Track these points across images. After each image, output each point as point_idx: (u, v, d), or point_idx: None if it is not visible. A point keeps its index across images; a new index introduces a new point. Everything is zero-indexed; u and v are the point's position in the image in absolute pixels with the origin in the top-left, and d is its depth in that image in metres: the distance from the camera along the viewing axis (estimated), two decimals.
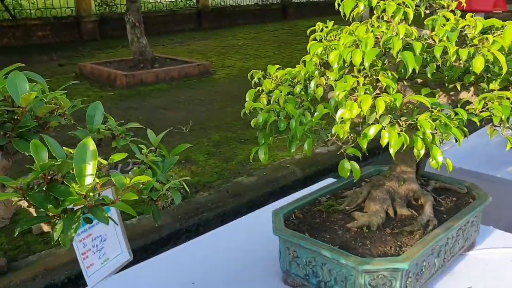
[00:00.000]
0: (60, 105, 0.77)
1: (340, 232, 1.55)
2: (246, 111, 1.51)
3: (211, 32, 14.53)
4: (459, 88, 1.58)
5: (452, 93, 1.64)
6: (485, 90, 1.52)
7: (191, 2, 15.68)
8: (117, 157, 0.69)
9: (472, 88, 1.59)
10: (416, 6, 1.48)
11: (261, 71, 1.66)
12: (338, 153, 1.25)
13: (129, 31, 8.45)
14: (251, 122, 1.46)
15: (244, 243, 1.84)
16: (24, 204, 0.69)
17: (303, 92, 1.49)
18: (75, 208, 0.63)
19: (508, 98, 1.40)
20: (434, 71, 1.60)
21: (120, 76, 7.88)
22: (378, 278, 1.35)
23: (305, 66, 1.56)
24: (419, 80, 1.70)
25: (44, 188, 0.65)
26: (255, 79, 1.64)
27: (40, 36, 12.75)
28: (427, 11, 1.52)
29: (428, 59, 1.34)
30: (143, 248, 3.66)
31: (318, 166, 5.05)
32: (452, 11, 1.43)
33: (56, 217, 0.64)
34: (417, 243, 1.42)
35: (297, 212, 1.68)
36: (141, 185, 0.72)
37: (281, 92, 1.47)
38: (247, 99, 1.55)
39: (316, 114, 1.29)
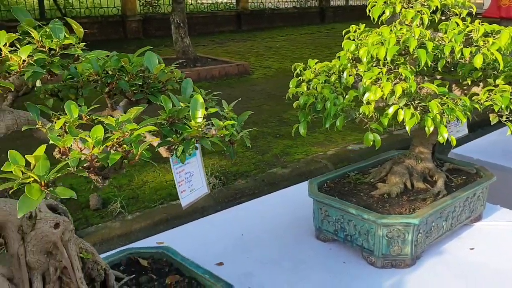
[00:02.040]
0: (174, 75, 1.15)
1: (364, 198, 1.88)
2: (290, 95, 1.87)
3: (249, 34, 14.95)
4: (469, 83, 1.89)
5: (465, 88, 1.95)
6: (492, 85, 1.83)
7: (231, 5, 16.16)
8: (212, 110, 1.06)
9: (481, 84, 1.90)
10: (433, 13, 1.80)
11: (302, 64, 2.01)
12: (364, 127, 1.58)
13: (173, 31, 8.93)
14: (294, 104, 1.81)
15: (283, 208, 2.19)
16: (154, 140, 1.06)
17: (337, 81, 1.82)
18: (190, 137, 0.99)
19: (508, 91, 1.71)
20: (452, 69, 1.92)
21: None
22: (394, 231, 1.67)
23: (339, 60, 1.90)
24: (438, 77, 2.01)
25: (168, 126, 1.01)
26: (297, 70, 1.99)
27: (88, 33, 13.30)
28: (443, 18, 1.84)
29: (440, 56, 1.65)
30: None
31: (349, 161, 5.34)
32: (462, 18, 1.74)
33: (176, 143, 1.00)
34: (428, 206, 1.74)
35: (328, 182, 2.02)
36: (225, 131, 1.07)
37: (318, 80, 1.81)
38: (290, 86, 1.90)
39: (347, 96, 1.63)
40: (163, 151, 1.05)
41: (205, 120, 1.04)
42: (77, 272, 1.09)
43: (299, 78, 1.95)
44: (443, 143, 1.67)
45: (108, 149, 0.82)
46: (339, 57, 1.91)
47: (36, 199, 0.70)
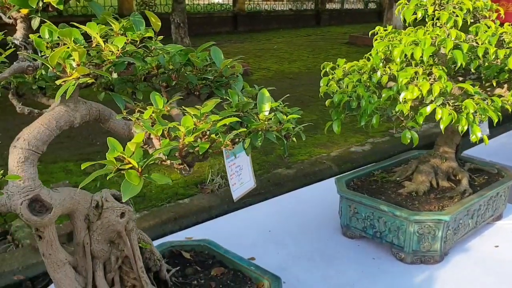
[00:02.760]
0: (236, 70, 1.18)
1: (393, 196, 1.91)
2: (321, 94, 1.90)
3: (246, 35, 14.98)
4: (494, 84, 1.93)
5: (488, 89, 1.99)
6: None
7: (228, 6, 16.18)
8: (274, 104, 1.08)
9: (505, 85, 1.94)
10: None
11: (331, 63, 2.04)
12: (400, 125, 1.62)
13: (173, 31, 8.92)
14: (326, 102, 1.84)
15: (307, 206, 2.22)
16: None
17: (368, 80, 1.86)
18: (257, 130, 1.01)
19: None
20: (474, 71, 1.96)
21: None
22: (425, 227, 1.71)
23: (368, 60, 1.93)
24: (460, 78, 2.06)
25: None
26: (326, 69, 2.02)
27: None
28: (472, 20, 1.88)
29: (472, 58, 1.70)
30: (195, 224, 4.07)
31: (353, 163, 5.39)
32: (492, 20, 1.79)
33: (243, 136, 1.02)
34: (456, 203, 1.77)
35: (355, 180, 2.05)
36: (280, 126, 1.10)
37: (350, 80, 1.84)
38: (321, 84, 1.93)
39: (383, 95, 1.66)
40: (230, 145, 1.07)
41: (273, 113, 1.07)
42: (138, 261, 1.11)
43: (329, 77, 1.98)
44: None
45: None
46: (367, 57, 1.95)
47: (137, 184, 0.72)
